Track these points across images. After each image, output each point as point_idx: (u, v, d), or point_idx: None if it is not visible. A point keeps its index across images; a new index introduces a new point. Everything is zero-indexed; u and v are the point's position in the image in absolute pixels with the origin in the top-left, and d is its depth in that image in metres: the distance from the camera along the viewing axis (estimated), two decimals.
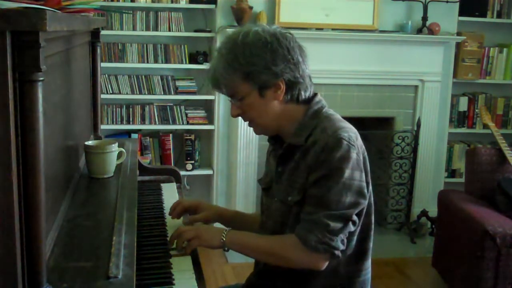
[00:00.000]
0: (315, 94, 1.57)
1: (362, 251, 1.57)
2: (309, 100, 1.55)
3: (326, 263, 1.47)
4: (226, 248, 1.55)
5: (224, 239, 1.52)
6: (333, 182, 1.43)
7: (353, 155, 1.44)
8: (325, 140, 1.45)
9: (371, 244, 1.59)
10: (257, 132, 1.61)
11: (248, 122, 1.59)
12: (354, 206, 1.45)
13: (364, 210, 1.51)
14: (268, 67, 1.46)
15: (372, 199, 1.55)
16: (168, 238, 1.65)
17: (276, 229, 1.57)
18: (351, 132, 1.48)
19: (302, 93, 1.52)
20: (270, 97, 1.50)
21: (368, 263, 1.60)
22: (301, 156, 1.50)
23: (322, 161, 1.44)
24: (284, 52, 1.47)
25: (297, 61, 1.49)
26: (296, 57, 1.49)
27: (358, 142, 1.49)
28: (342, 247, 1.45)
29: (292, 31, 1.55)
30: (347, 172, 1.43)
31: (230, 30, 3.60)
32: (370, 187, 1.53)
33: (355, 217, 1.46)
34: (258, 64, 1.46)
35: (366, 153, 1.53)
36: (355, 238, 1.52)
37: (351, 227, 1.46)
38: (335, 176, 1.43)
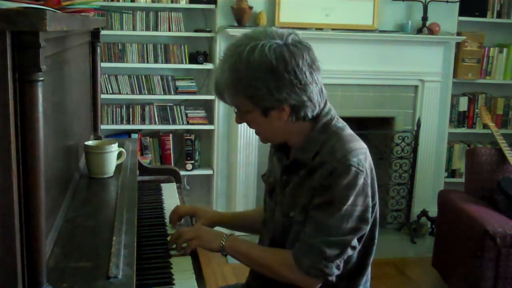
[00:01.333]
0: (324, 104, 1.48)
1: (362, 266, 1.55)
2: (318, 114, 1.47)
3: (319, 285, 1.45)
4: (224, 253, 1.55)
5: (223, 243, 1.52)
6: (335, 209, 1.39)
7: (360, 181, 1.39)
8: (333, 165, 1.39)
9: (371, 259, 1.57)
10: (263, 141, 1.55)
11: (255, 131, 1.54)
12: (354, 232, 1.42)
13: (366, 233, 1.48)
14: (271, 93, 1.37)
15: (377, 214, 1.51)
16: (168, 238, 1.65)
17: (276, 238, 1.56)
18: (361, 155, 1.42)
19: (309, 114, 1.44)
20: (274, 118, 1.43)
21: (367, 278, 1.58)
22: (306, 174, 1.45)
23: (328, 186, 1.39)
24: (290, 77, 1.36)
25: (305, 83, 1.38)
26: (304, 80, 1.38)
27: (367, 163, 1.44)
28: (336, 272, 1.43)
29: None
30: (351, 199, 1.39)
31: (230, 30, 3.61)
32: (377, 206, 1.49)
33: (354, 242, 1.43)
34: (261, 89, 1.37)
35: (374, 172, 1.48)
36: (355, 255, 1.50)
37: (349, 252, 1.44)
38: (339, 203, 1.39)
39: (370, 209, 1.44)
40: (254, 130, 1.53)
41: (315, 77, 1.41)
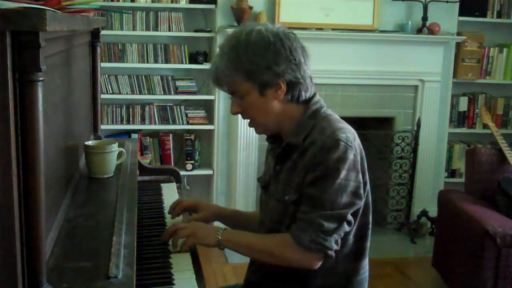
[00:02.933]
0: (314, 94, 1.58)
1: (360, 250, 1.57)
2: (308, 100, 1.56)
3: (320, 263, 1.48)
4: (221, 247, 1.55)
5: (219, 237, 1.53)
6: (329, 183, 1.44)
7: (350, 156, 1.45)
8: (322, 140, 1.46)
9: (368, 243, 1.60)
10: (257, 131, 1.62)
11: (248, 122, 1.59)
12: (349, 206, 1.46)
13: (361, 210, 1.51)
14: (270, 67, 1.46)
15: (369, 198, 1.56)
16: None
17: (273, 228, 1.58)
18: (349, 133, 1.49)
19: (303, 93, 1.53)
20: (270, 97, 1.51)
21: (366, 262, 1.61)
22: (298, 156, 1.51)
23: (319, 161, 1.45)
24: (287, 53, 1.47)
25: (299, 61, 1.49)
26: (298, 58, 1.49)
27: (356, 142, 1.50)
28: (335, 247, 1.46)
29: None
30: (343, 173, 1.44)
31: (230, 30, 3.61)
32: (368, 187, 1.53)
33: (350, 217, 1.47)
34: (260, 64, 1.46)
35: (363, 153, 1.53)
36: (351, 237, 1.53)
37: (346, 227, 1.47)
38: (331, 177, 1.44)
39: (362, 186, 1.49)
40: (249, 122, 1.59)
41: (307, 62, 1.53)
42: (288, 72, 1.48)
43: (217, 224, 1.73)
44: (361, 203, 1.50)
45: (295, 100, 1.53)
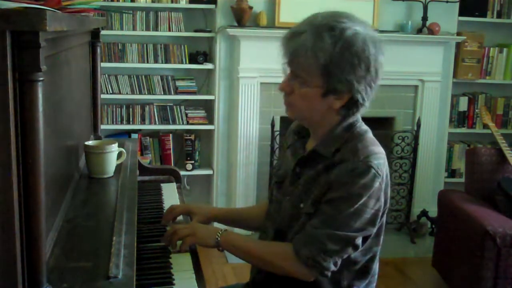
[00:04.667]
0: None
1: (367, 270, 1.54)
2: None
3: (312, 279, 1.45)
4: (220, 248, 1.54)
5: (218, 238, 1.52)
6: (346, 206, 1.39)
7: (376, 184, 1.40)
8: (355, 164, 1.40)
9: (376, 266, 1.56)
10: (291, 115, 1.52)
11: (285, 100, 1.49)
12: (359, 231, 1.42)
13: (372, 236, 1.48)
14: (351, 80, 1.38)
15: (384, 220, 1.51)
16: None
17: (282, 229, 1.55)
18: (381, 159, 1.43)
19: (357, 114, 1.48)
20: (328, 101, 1.43)
21: (373, 286, 1.58)
22: (323, 169, 1.46)
23: (345, 182, 1.40)
24: (371, 74, 1.39)
25: (375, 84, 1.43)
26: (377, 80, 1.42)
27: (385, 168, 1.45)
28: (333, 268, 1.42)
29: None
30: (363, 200, 1.39)
31: (230, 30, 3.62)
32: (385, 214, 1.49)
33: (358, 241, 1.43)
34: (345, 72, 1.37)
35: (389, 179, 1.48)
36: (360, 255, 1.49)
37: (350, 251, 1.43)
38: (351, 201, 1.39)
39: (380, 214, 1.45)
40: (287, 101, 1.48)
41: (377, 86, 1.45)
42: (361, 93, 1.40)
43: (216, 225, 1.73)
44: (373, 231, 1.45)
45: (347, 113, 1.46)
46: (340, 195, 1.40)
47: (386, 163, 1.46)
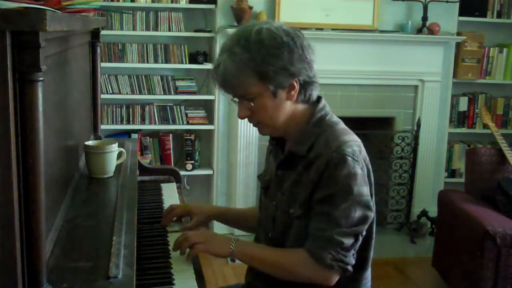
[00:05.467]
0: (319, 99, 1.54)
1: (363, 261, 1.54)
2: (314, 105, 1.52)
3: (337, 279, 1.45)
4: (233, 258, 1.51)
5: (232, 248, 1.49)
6: (341, 200, 1.41)
7: (358, 170, 1.42)
8: (328, 155, 1.42)
9: (371, 253, 1.57)
10: (263, 132, 1.55)
11: (254, 123, 1.53)
12: (363, 221, 1.44)
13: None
14: (285, 67, 1.41)
15: (374, 208, 1.52)
16: (168, 238, 1.65)
17: (277, 238, 1.55)
18: (355, 146, 1.45)
19: (314, 93, 1.50)
20: (283, 98, 1.46)
21: (368, 273, 1.59)
22: (303, 169, 1.48)
23: (327, 178, 1.41)
24: (300, 52, 1.43)
25: (310, 60, 1.46)
26: (309, 57, 1.46)
27: (362, 155, 1.47)
28: (353, 261, 1.44)
29: None
30: (355, 189, 1.41)
31: (230, 30, 3.61)
32: (373, 198, 1.51)
33: (364, 232, 1.46)
34: (275, 64, 1.41)
35: (370, 165, 1.50)
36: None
37: (360, 240, 1.46)
38: (344, 194, 1.41)
39: (371, 197, 1.47)
40: (254, 122, 1.52)
41: (314, 60, 1.48)
42: (302, 71, 1.44)
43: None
44: (372, 214, 1.47)
45: (306, 100, 1.50)
46: (329, 192, 1.42)
47: (363, 149, 1.49)
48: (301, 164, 1.49)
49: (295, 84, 1.45)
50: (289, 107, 1.48)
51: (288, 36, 1.42)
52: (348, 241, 1.42)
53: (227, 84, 1.46)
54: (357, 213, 1.42)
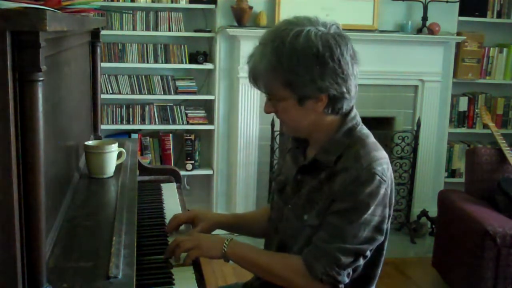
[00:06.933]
0: (351, 108, 1.47)
1: (369, 277, 1.51)
2: (346, 113, 1.45)
3: None
4: (227, 259, 1.49)
5: (225, 249, 1.47)
6: (355, 216, 1.37)
7: (382, 191, 1.37)
8: (358, 172, 1.37)
9: (379, 271, 1.53)
10: (286, 132, 1.51)
11: (279, 119, 1.50)
12: (369, 242, 1.40)
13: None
14: (314, 80, 1.34)
15: (389, 226, 1.47)
16: (168, 239, 1.65)
17: (286, 241, 1.52)
18: (385, 164, 1.40)
19: (344, 107, 1.42)
20: (308, 107, 1.40)
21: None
22: (326, 178, 1.42)
23: (350, 192, 1.37)
24: (335, 66, 1.34)
25: (347, 74, 1.36)
26: (346, 71, 1.36)
27: (389, 173, 1.42)
28: (346, 280, 1.40)
29: None
30: (371, 209, 1.37)
31: (230, 30, 3.61)
32: (389, 220, 1.46)
33: (368, 252, 1.41)
34: (303, 76, 1.34)
35: (394, 184, 1.45)
36: (362, 264, 1.45)
37: (361, 261, 1.41)
38: (359, 211, 1.36)
39: (386, 220, 1.43)
40: (280, 119, 1.49)
41: (355, 70, 1.40)
42: (333, 87, 1.36)
43: (218, 232, 1.68)
44: (381, 239, 1.42)
45: (335, 113, 1.43)
46: (347, 206, 1.37)
47: (390, 167, 1.43)
48: (324, 172, 1.43)
49: (323, 98, 1.38)
50: (314, 116, 1.42)
51: (326, 47, 1.33)
52: (346, 259, 1.38)
53: (255, 80, 1.42)
54: (366, 233, 1.38)
